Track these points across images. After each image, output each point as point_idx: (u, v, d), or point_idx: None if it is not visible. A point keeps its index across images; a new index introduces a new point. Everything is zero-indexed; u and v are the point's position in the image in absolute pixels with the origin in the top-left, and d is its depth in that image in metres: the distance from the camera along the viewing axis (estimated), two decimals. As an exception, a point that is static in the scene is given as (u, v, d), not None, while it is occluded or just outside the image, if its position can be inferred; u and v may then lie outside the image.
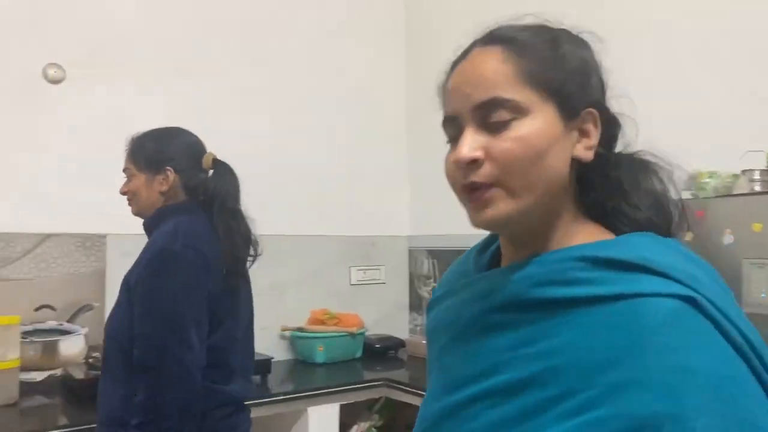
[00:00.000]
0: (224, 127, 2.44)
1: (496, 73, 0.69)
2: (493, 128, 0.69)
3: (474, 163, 0.68)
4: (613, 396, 0.60)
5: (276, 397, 2.33)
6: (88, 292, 2.46)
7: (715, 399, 0.58)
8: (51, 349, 2.27)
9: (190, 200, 1.57)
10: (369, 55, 3.30)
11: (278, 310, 2.90)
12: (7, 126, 2.36)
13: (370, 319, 3.05)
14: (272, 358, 2.50)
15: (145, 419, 1.35)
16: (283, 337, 2.92)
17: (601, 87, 0.75)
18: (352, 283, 3.20)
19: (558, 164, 0.70)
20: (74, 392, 2.12)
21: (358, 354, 2.91)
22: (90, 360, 2.23)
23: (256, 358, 2.43)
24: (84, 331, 2.37)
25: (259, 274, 2.85)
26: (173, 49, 2.71)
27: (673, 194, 0.74)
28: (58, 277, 2.40)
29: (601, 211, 0.74)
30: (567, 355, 0.64)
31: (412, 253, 3.33)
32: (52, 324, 2.33)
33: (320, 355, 2.76)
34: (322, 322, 2.85)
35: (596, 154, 0.72)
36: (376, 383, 2.57)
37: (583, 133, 0.72)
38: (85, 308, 2.43)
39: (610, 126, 0.74)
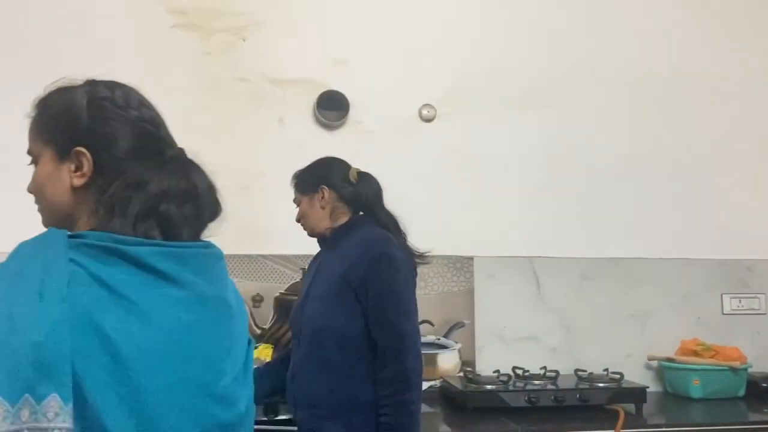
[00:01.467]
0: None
1: None
2: None
3: None
4: None
5: (652, 428, 2.20)
6: (458, 309, 2.66)
7: None
8: (431, 361, 2.49)
9: (365, 215, 1.82)
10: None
11: (642, 337, 2.76)
12: (390, 160, 2.71)
13: (747, 353, 2.68)
14: (647, 387, 2.35)
15: (395, 390, 1.58)
16: (648, 366, 2.74)
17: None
18: (725, 312, 2.86)
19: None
20: (455, 402, 2.29)
21: (741, 392, 2.57)
22: (467, 373, 2.38)
23: (628, 386, 2.35)
24: (458, 346, 2.56)
25: (620, 298, 2.80)
26: (524, 81, 2.83)
27: None
28: (433, 295, 2.64)
29: None
30: None
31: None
32: (431, 338, 2.56)
33: (696, 389, 2.51)
34: (696, 353, 2.60)
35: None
36: (764, 426, 2.24)
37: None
38: (458, 325, 2.63)
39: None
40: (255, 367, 2.08)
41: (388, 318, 1.64)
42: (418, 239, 2.61)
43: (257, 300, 2.53)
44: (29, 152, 0.94)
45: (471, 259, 2.72)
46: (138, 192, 0.88)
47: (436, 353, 2.50)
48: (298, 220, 1.89)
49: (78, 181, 0.89)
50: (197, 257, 0.90)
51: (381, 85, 2.73)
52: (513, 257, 2.76)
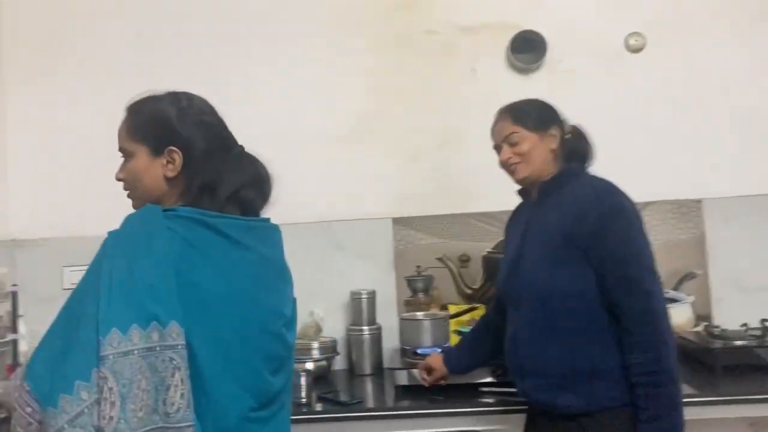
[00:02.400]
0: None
1: None
2: None
3: None
4: None
5: None
6: (687, 259, 2.38)
7: None
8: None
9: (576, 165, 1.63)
10: None
11: None
12: (595, 101, 2.47)
13: None
14: None
15: (647, 359, 1.40)
16: None
17: None
18: None
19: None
20: (698, 361, 2.05)
21: None
22: (708, 328, 2.12)
23: None
24: (691, 299, 2.29)
25: None
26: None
27: None
28: (658, 244, 2.37)
29: None
30: None
31: None
32: (658, 291, 2.31)
33: None
34: None
35: None
36: None
37: None
38: (688, 276, 2.35)
39: None
40: (462, 337, 2.09)
41: (631, 275, 1.45)
42: (635, 185, 2.38)
43: (464, 260, 2.47)
44: (122, 149, 1.18)
45: (699, 202, 2.41)
46: (221, 180, 1.12)
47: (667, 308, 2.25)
48: (505, 162, 1.64)
49: (171, 173, 1.14)
50: (261, 229, 1.18)
51: (579, 17, 2.49)
52: (750, 196, 2.40)
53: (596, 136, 1.69)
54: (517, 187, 1.73)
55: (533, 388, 1.57)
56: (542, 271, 1.54)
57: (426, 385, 1.90)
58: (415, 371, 1.95)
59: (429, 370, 1.89)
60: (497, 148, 1.69)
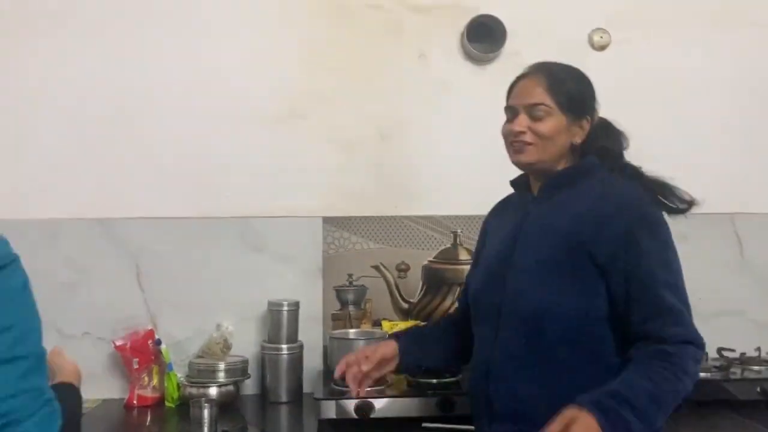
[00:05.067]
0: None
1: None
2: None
3: None
4: None
5: None
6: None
7: None
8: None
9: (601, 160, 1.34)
10: None
11: None
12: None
13: None
14: None
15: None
16: None
17: None
18: None
19: None
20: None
21: None
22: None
23: None
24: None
25: None
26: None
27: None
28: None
29: None
30: None
31: None
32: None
33: None
34: None
35: None
36: None
37: None
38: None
39: None
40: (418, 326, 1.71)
41: (665, 299, 1.17)
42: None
43: (402, 269, 2.14)
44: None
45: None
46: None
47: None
48: (515, 134, 1.30)
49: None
50: None
51: (543, 7, 2.24)
52: (709, 214, 2.23)
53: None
54: (501, 173, 1.40)
55: None
56: (540, 284, 1.24)
57: (354, 394, 1.42)
58: (346, 378, 1.37)
59: (379, 362, 1.38)
60: (511, 110, 1.34)
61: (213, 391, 1.81)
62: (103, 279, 2.04)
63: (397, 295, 2.08)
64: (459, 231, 2.08)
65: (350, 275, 2.10)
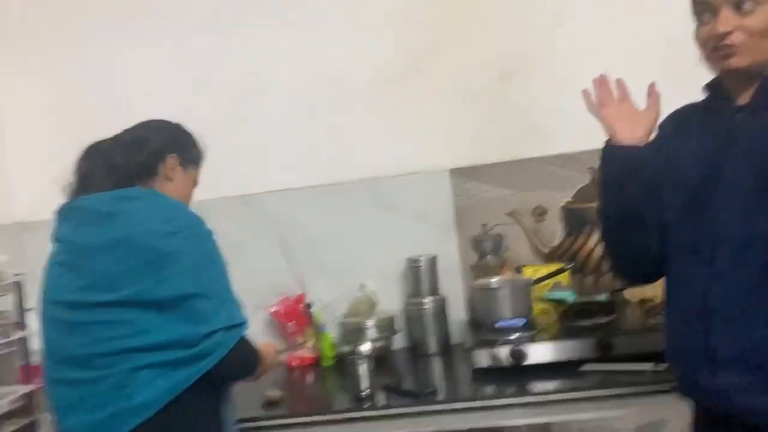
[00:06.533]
0: None
1: None
2: None
3: None
4: None
5: None
6: None
7: None
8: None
9: None
10: None
11: None
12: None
13: None
14: None
15: None
16: None
17: None
18: None
19: None
20: None
21: None
22: None
23: None
24: None
25: None
26: None
27: None
28: None
29: None
30: None
31: None
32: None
33: None
34: None
35: None
36: None
37: None
38: None
39: None
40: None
41: None
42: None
43: (539, 213, 2.07)
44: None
45: None
46: None
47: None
48: (718, 37, 1.09)
49: None
50: None
51: None
52: None
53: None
54: (699, 76, 1.17)
55: (737, 387, 1.07)
56: (761, 205, 1.06)
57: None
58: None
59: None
60: (706, 7, 1.11)
61: (365, 347, 1.86)
62: (252, 252, 2.15)
63: (536, 241, 2.02)
64: (596, 166, 1.96)
65: (484, 225, 2.07)
